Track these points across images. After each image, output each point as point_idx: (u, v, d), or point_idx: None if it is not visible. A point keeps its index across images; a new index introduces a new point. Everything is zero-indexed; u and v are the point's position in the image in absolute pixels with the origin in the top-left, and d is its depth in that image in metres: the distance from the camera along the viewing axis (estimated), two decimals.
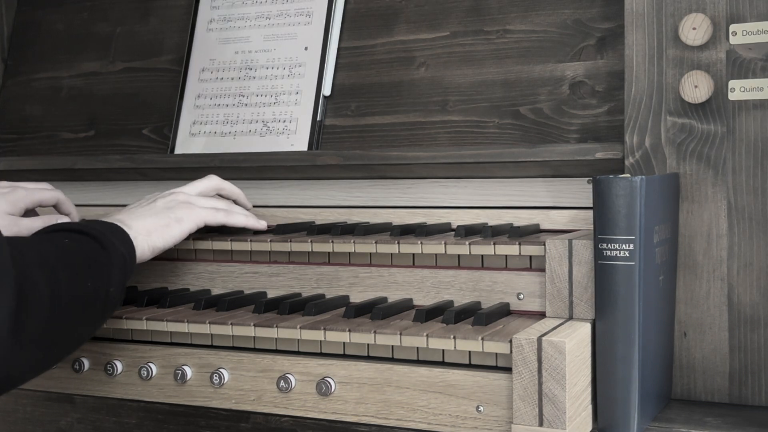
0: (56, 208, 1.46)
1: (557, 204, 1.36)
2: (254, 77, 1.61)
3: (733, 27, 1.19)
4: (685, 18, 1.21)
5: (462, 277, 1.26)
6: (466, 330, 1.11)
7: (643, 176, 1.08)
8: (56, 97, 1.80)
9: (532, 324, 1.11)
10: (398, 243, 1.25)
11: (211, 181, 1.39)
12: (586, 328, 1.09)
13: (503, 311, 1.20)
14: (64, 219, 1.43)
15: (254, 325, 1.18)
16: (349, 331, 1.13)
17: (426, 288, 1.28)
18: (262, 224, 1.39)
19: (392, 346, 1.15)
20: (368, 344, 1.16)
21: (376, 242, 1.26)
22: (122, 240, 1.18)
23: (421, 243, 1.23)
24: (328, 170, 1.48)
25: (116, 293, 1.14)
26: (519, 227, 1.27)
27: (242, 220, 1.37)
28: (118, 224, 1.20)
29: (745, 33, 1.19)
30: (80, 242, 1.12)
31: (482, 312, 1.14)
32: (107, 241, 1.14)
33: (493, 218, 1.38)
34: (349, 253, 1.32)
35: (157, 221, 1.26)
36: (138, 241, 1.21)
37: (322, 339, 1.15)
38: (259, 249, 1.33)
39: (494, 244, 1.19)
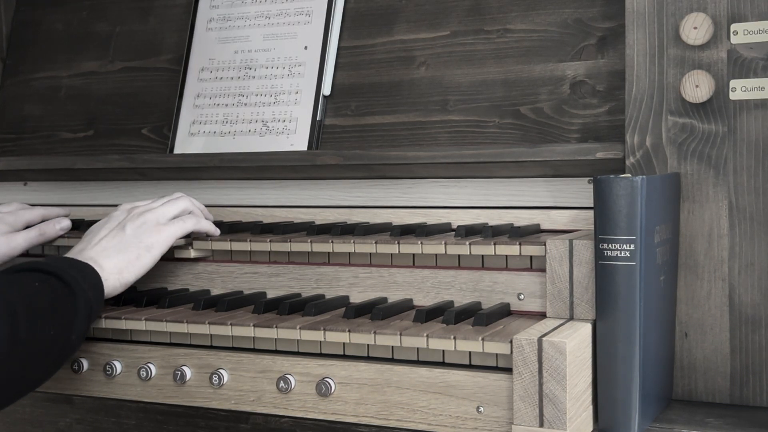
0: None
1: (558, 204, 1.36)
2: (254, 77, 1.61)
3: (734, 26, 1.19)
4: (686, 17, 1.21)
5: (462, 277, 1.25)
6: (467, 330, 1.10)
7: (644, 176, 1.07)
8: (55, 96, 1.80)
9: (533, 324, 1.11)
10: (398, 243, 1.24)
11: (184, 203, 1.37)
12: (586, 329, 1.09)
13: (504, 311, 1.20)
14: (62, 218, 1.44)
15: (254, 326, 1.18)
16: (349, 331, 1.13)
17: (426, 288, 1.28)
18: (218, 231, 1.40)
19: (392, 347, 1.14)
20: (368, 345, 1.15)
21: (376, 242, 1.26)
22: (93, 284, 1.18)
23: (421, 243, 1.23)
24: (328, 170, 1.48)
25: (76, 341, 1.15)
26: (519, 227, 1.26)
27: (207, 226, 1.38)
28: (92, 264, 1.21)
29: (746, 32, 1.18)
30: (50, 286, 1.13)
31: (482, 312, 1.14)
32: (78, 288, 1.15)
33: (494, 218, 1.38)
34: (349, 253, 1.32)
35: (128, 256, 1.26)
36: (109, 282, 1.22)
37: (322, 339, 1.14)
38: (259, 249, 1.33)
39: (494, 244, 1.19)
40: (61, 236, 1.44)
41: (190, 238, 1.38)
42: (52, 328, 1.10)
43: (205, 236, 1.38)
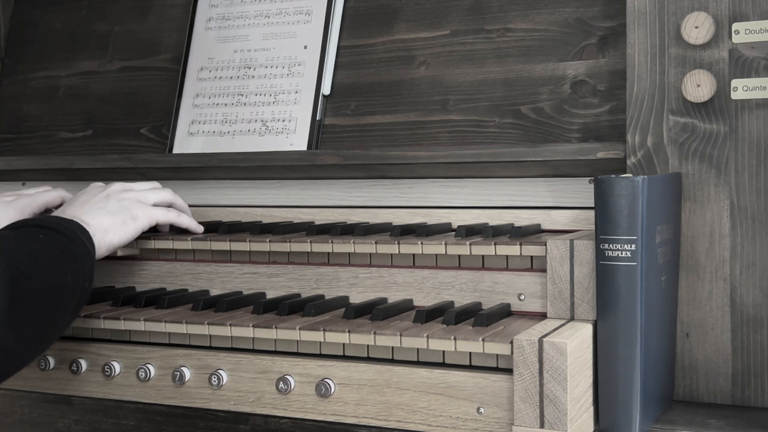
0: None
1: (558, 204, 1.35)
2: (253, 76, 1.60)
3: (735, 26, 1.18)
4: (688, 16, 1.20)
5: (462, 277, 1.25)
6: (467, 331, 1.10)
7: (645, 176, 1.07)
8: (54, 96, 1.80)
9: (533, 325, 1.11)
10: (398, 243, 1.24)
11: (167, 194, 1.41)
12: (587, 329, 1.09)
13: (504, 312, 1.20)
14: None
15: (253, 326, 1.17)
16: (349, 332, 1.13)
17: (426, 289, 1.27)
18: (201, 228, 1.42)
19: (392, 347, 1.14)
20: (368, 345, 1.15)
21: (375, 242, 1.25)
22: (86, 237, 1.20)
23: (422, 243, 1.23)
24: (328, 170, 1.47)
25: (89, 287, 1.18)
26: (520, 227, 1.26)
27: (188, 221, 1.40)
28: (77, 221, 1.22)
29: (747, 32, 1.18)
30: (54, 238, 1.15)
31: (483, 313, 1.14)
32: (76, 238, 1.17)
33: (494, 218, 1.38)
34: (349, 253, 1.32)
35: (114, 219, 1.29)
36: (96, 239, 1.23)
37: (322, 340, 1.14)
38: (258, 249, 1.33)
39: (495, 244, 1.19)
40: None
41: (171, 233, 1.40)
42: (68, 275, 1.13)
43: (186, 232, 1.40)
